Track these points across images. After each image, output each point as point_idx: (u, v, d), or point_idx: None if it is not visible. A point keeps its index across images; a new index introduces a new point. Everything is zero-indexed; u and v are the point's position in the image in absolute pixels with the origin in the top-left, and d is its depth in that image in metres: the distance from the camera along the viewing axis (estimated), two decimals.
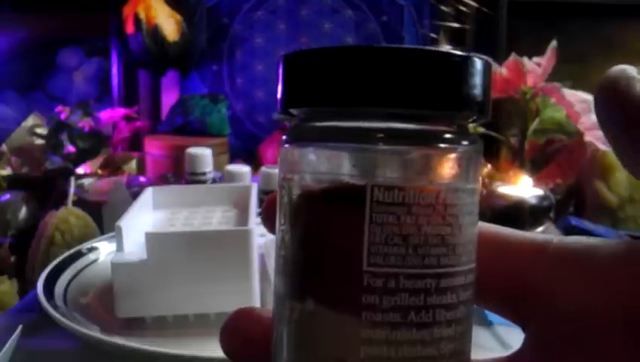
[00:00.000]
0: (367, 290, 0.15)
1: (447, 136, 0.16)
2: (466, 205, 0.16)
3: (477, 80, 0.16)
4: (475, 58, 0.16)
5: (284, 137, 0.17)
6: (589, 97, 0.86)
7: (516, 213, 0.78)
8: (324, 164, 0.16)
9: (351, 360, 0.15)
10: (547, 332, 0.17)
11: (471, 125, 0.18)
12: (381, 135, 0.16)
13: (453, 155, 0.16)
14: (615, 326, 0.16)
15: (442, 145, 0.16)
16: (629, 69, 0.17)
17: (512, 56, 0.92)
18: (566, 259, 0.17)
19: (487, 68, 0.16)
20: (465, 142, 0.16)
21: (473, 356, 0.18)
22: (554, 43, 0.92)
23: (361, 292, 0.15)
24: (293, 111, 0.17)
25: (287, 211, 0.17)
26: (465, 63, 0.16)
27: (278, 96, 0.17)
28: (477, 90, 0.16)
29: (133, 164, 1.35)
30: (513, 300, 0.18)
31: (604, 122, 0.17)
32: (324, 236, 0.16)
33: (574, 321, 0.16)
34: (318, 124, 0.17)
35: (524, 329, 0.18)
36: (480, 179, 0.17)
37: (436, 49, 0.16)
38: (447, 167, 0.16)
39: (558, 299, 0.17)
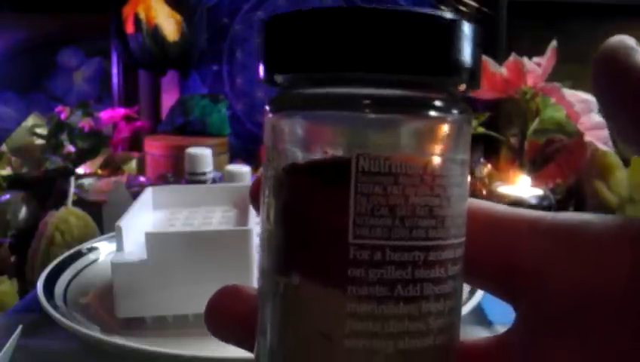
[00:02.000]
0: (352, 263, 0.15)
1: (436, 103, 0.15)
2: (454, 176, 0.16)
3: (466, 44, 0.15)
4: (464, 21, 0.15)
5: (267, 107, 0.17)
6: (589, 97, 0.86)
7: None
8: (308, 134, 0.16)
9: (336, 335, 0.15)
10: (538, 310, 0.17)
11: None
12: (367, 102, 0.15)
13: (442, 124, 0.15)
14: (611, 304, 0.15)
15: (431, 113, 0.15)
16: (628, 39, 0.16)
17: (512, 56, 0.92)
18: (559, 235, 0.17)
19: (476, 33, 0.16)
20: (455, 111, 0.16)
21: None
22: (554, 43, 0.92)
23: (347, 265, 0.15)
24: (277, 78, 0.17)
25: (271, 184, 0.16)
26: (454, 26, 0.15)
27: (260, 63, 0.17)
28: (466, 55, 0.15)
29: (133, 164, 1.35)
30: (504, 277, 0.17)
31: (602, 95, 0.16)
32: (309, 208, 0.15)
33: (567, 298, 0.16)
34: (301, 91, 0.16)
35: (515, 308, 0.18)
36: (469, 150, 0.16)
37: (424, 11, 0.15)
38: (436, 136, 0.15)
39: (550, 276, 0.16)
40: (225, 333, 0.19)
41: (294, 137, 0.16)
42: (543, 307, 0.16)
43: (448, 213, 0.15)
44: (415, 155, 0.15)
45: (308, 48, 0.15)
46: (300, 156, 0.16)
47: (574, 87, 0.90)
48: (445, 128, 0.16)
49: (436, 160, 0.15)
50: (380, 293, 0.15)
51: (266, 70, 0.16)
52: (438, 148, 0.15)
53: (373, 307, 0.15)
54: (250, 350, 0.18)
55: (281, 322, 0.16)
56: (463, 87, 0.16)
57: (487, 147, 1.12)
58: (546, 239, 0.17)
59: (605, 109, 0.16)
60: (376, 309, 0.15)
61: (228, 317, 0.19)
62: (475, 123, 0.98)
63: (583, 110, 0.85)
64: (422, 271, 0.15)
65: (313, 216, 0.15)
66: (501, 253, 0.17)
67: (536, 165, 0.96)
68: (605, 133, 0.84)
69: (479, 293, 0.51)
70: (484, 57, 0.92)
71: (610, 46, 0.16)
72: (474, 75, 0.16)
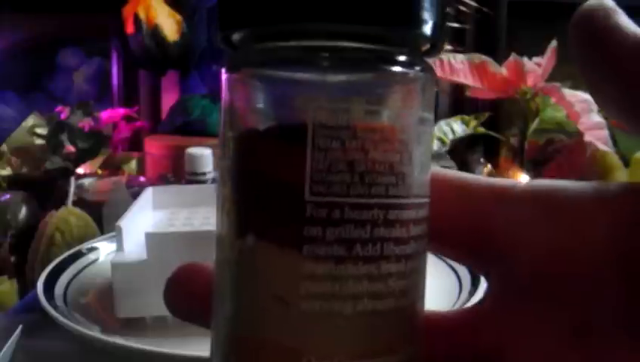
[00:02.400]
0: (309, 222, 0.14)
1: (397, 57, 0.15)
2: (416, 134, 0.15)
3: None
4: None
5: (224, 68, 0.16)
6: (589, 97, 0.86)
7: None
8: (264, 90, 0.15)
9: (292, 298, 0.14)
10: (511, 279, 0.16)
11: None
12: (325, 54, 0.14)
13: (403, 79, 0.15)
14: (588, 268, 0.15)
15: (391, 67, 0.15)
16: (607, 1, 0.15)
17: (512, 56, 0.92)
18: (532, 202, 0.16)
19: None
20: (417, 68, 0.15)
21: None
22: (554, 43, 0.92)
23: (303, 224, 0.14)
24: (234, 38, 0.16)
25: (227, 147, 0.15)
26: None
27: (217, 24, 0.16)
28: (429, 9, 0.15)
29: (133, 164, 1.35)
30: (476, 246, 0.17)
31: (581, 60, 0.16)
32: (265, 166, 0.15)
33: (541, 265, 0.16)
34: (257, 46, 0.15)
35: (487, 278, 0.17)
36: (432, 110, 0.16)
37: None
38: (397, 92, 0.15)
39: (524, 243, 0.16)
40: (182, 310, 0.18)
41: (249, 96, 0.15)
42: (516, 275, 0.16)
43: (409, 171, 0.15)
44: (374, 109, 0.15)
45: (262, 1, 0.14)
46: (255, 116, 0.15)
47: (574, 87, 0.90)
48: (406, 84, 0.15)
49: (397, 116, 0.15)
50: (337, 253, 0.14)
51: (221, 29, 0.16)
52: (398, 104, 0.15)
53: (330, 267, 0.14)
54: (208, 327, 0.17)
55: (237, 288, 0.15)
56: (426, 45, 0.16)
57: (487, 147, 1.12)
58: (519, 206, 0.16)
59: (587, 77, 0.16)
60: (334, 269, 0.14)
61: (186, 293, 0.18)
62: (475, 123, 0.98)
63: (583, 110, 0.85)
64: (382, 229, 0.14)
65: (269, 174, 0.15)
66: (472, 222, 0.17)
67: (536, 165, 0.96)
68: (605, 133, 0.84)
69: (478, 294, 0.51)
70: (484, 57, 0.92)
71: (587, 8, 0.15)
72: (437, 33, 0.15)
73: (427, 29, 0.15)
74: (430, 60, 0.16)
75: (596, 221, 0.15)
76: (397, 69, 0.15)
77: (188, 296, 0.18)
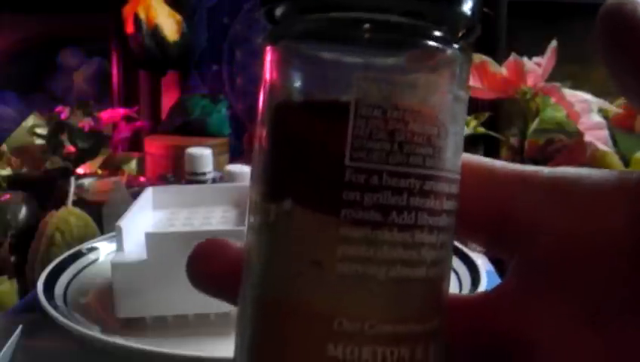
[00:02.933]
0: (348, 186, 0.14)
1: (437, 34, 0.15)
2: (453, 111, 0.16)
3: None
4: None
5: (265, 38, 0.16)
6: (589, 97, 0.86)
7: None
8: (306, 61, 0.16)
9: (327, 261, 0.15)
10: (530, 262, 0.17)
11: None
12: (367, 26, 0.15)
13: (442, 55, 0.15)
14: (604, 254, 0.15)
15: (431, 44, 0.15)
16: None
17: (512, 56, 0.92)
18: (554, 188, 0.17)
19: None
20: (456, 46, 0.16)
21: None
22: (554, 43, 0.92)
23: (342, 189, 0.14)
24: (276, 12, 0.16)
25: (267, 112, 0.16)
26: None
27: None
28: None
29: (133, 164, 1.35)
30: (498, 229, 0.17)
31: (607, 54, 0.16)
32: (306, 132, 0.15)
33: (559, 249, 0.16)
34: (299, 19, 0.16)
35: (507, 262, 0.18)
36: (468, 90, 0.16)
37: None
38: (436, 68, 0.15)
39: (544, 227, 0.16)
40: (206, 282, 0.18)
41: (291, 67, 0.16)
42: (535, 258, 0.16)
43: (445, 146, 0.15)
44: (414, 84, 0.15)
45: None
46: (296, 85, 0.16)
47: (574, 87, 0.90)
48: (445, 60, 0.15)
49: (435, 91, 0.15)
50: (374, 218, 0.14)
51: (263, 4, 0.16)
52: (436, 80, 0.15)
53: (366, 232, 0.14)
54: (233, 303, 0.17)
55: (272, 251, 0.15)
56: (464, 25, 0.16)
57: (487, 147, 1.12)
58: (541, 191, 0.17)
59: (611, 68, 0.16)
60: (370, 234, 0.14)
61: (211, 265, 0.18)
62: (475, 123, 0.98)
63: (583, 110, 0.85)
64: (417, 199, 0.15)
65: (309, 139, 0.15)
66: (496, 205, 0.17)
67: (536, 165, 0.96)
68: (605, 133, 0.84)
69: (480, 290, 0.51)
70: (484, 57, 0.92)
71: (616, 1, 0.16)
72: (475, 15, 0.15)
73: (467, 8, 0.15)
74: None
75: (615, 209, 0.16)
76: (437, 45, 0.15)
77: (209, 271, 0.18)
